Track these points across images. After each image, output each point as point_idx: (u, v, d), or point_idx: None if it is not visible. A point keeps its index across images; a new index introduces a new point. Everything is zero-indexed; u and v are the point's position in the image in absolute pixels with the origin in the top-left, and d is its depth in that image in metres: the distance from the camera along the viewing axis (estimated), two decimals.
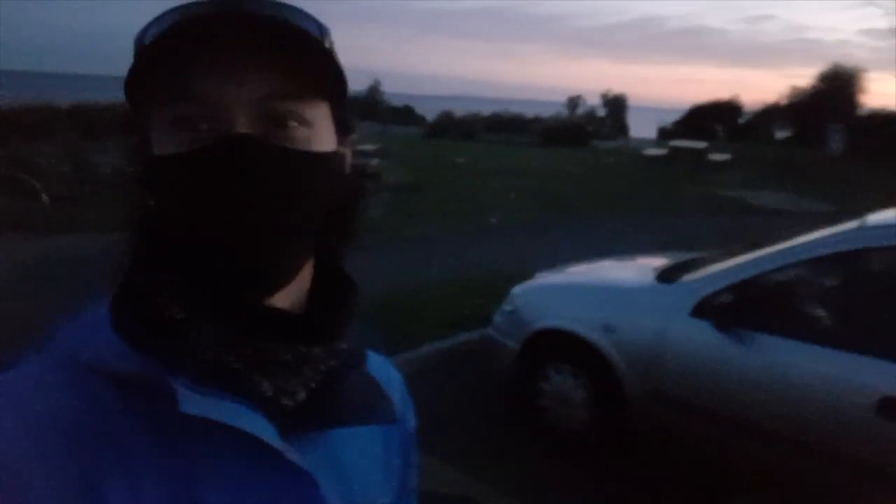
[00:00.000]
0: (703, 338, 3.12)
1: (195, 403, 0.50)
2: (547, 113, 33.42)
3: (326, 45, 0.56)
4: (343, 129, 0.61)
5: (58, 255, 6.57)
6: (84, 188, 9.10)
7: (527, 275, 4.47)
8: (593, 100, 38.90)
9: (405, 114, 36.19)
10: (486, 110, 34.07)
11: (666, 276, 3.65)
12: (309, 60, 0.54)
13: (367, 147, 14.03)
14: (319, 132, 0.57)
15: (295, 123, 0.54)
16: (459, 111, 31.32)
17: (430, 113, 33.15)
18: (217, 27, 0.50)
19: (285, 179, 0.53)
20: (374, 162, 12.49)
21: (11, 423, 0.48)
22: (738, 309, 3.04)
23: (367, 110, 29.47)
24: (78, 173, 9.96)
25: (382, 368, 0.74)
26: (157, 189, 0.56)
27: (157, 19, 0.53)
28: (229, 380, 0.54)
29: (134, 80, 0.52)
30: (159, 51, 0.50)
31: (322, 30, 0.57)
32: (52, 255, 6.63)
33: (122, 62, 0.53)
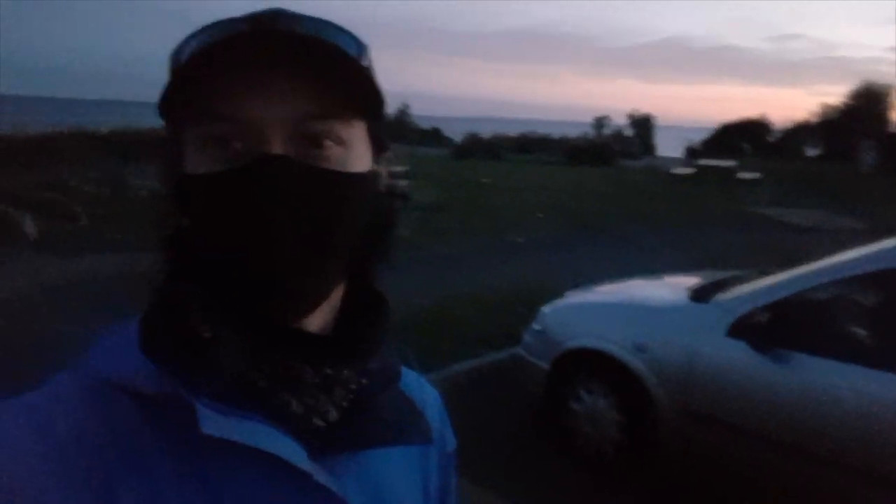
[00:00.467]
0: (739, 358, 3.07)
1: (218, 424, 0.49)
2: (573, 133, 33.42)
3: (364, 62, 0.55)
4: (379, 146, 0.61)
5: (96, 274, 6.71)
6: (121, 210, 9.31)
7: (555, 293, 4.45)
8: (620, 120, 38.81)
9: (433, 135, 36.48)
10: (513, 131, 34.18)
11: (699, 294, 3.60)
12: (345, 79, 0.53)
13: (396, 168, 14.08)
14: (355, 152, 0.56)
15: (331, 143, 0.53)
16: (486, 132, 31.48)
17: (457, 134, 33.36)
18: (253, 46, 0.50)
19: (321, 201, 0.53)
20: (403, 182, 12.58)
21: (31, 443, 0.47)
22: (775, 328, 2.99)
23: (395, 132, 29.76)
24: (115, 195, 10.20)
25: (417, 386, 0.72)
26: (190, 208, 0.55)
27: (194, 36, 0.53)
28: (257, 399, 0.53)
29: (169, 99, 0.51)
30: (195, 70, 0.50)
31: (360, 46, 0.56)
32: (91, 275, 6.78)
33: (157, 89, 0.53)
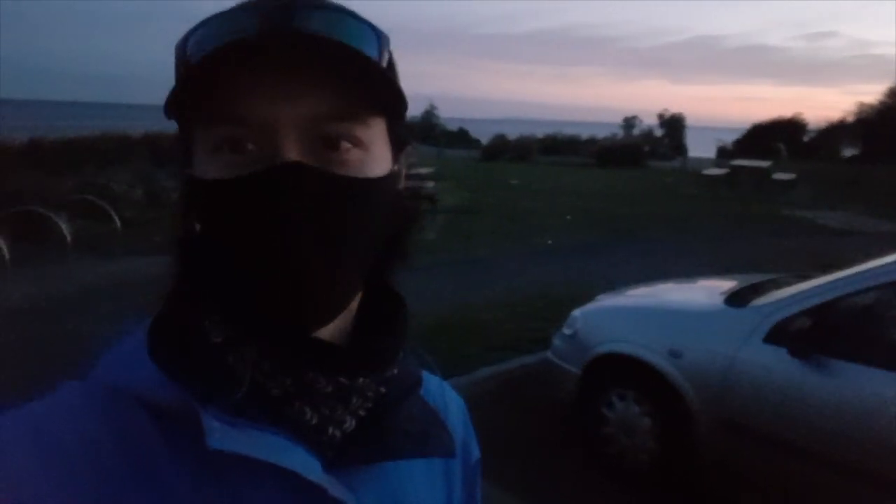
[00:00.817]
0: (777, 365, 2.98)
1: (226, 438, 0.47)
2: (602, 134, 33.15)
3: (384, 58, 0.53)
4: (399, 144, 0.58)
5: (129, 276, 6.82)
6: (154, 212, 9.47)
7: (585, 297, 4.39)
8: (650, 120, 38.38)
9: (460, 137, 36.51)
10: (540, 132, 34.03)
11: (735, 299, 3.51)
12: (363, 78, 0.50)
13: (423, 170, 14.16)
14: (374, 154, 0.53)
15: (348, 145, 0.51)
16: (513, 134, 31.39)
17: (484, 136, 33.34)
18: (267, 46, 0.47)
19: (338, 208, 0.50)
20: (430, 185, 12.59)
21: (35, 453, 0.46)
22: (815, 334, 2.90)
23: (422, 134, 29.85)
24: (148, 198, 10.38)
25: (440, 393, 0.69)
26: (201, 213, 0.53)
27: (200, 30, 0.51)
28: (270, 408, 0.51)
29: (177, 100, 0.49)
30: (205, 71, 0.47)
31: (379, 38, 0.53)
32: (125, 277, 6.89)
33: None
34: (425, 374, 0.66)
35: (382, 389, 0.57)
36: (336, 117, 0.50)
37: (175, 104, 0.49)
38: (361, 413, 0.55)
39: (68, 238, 7.53)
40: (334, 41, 0.48)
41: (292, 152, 0.48)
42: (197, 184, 0.51)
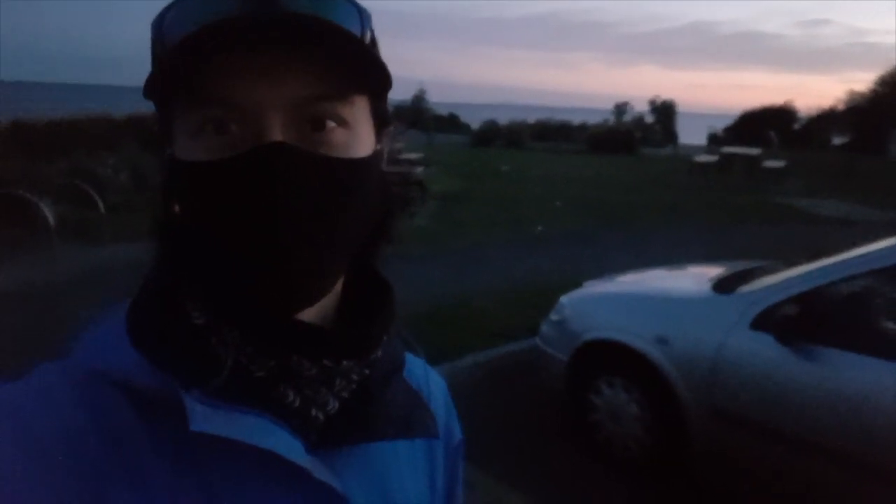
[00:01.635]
0: (764, 351, 2.97)
1: (208, 420, 0.47)
2: (594, 120, 33.11)
3: (367, 35, 0.53)
4: (382, 123, 0.57)
5: (115, 261, 6.75)
6: (140, 197, 9.37)
7: (575, 284, 4.37)
8: (641, 107, 38.33)
9: (450, 122, 36.34)
10: (532, 118, 33.94)
11: (722, 286, 3.51)
12: (347, 57, 0.49)
13: (413, 156, 14.08)
14: (358, 133, 0.52)
15: (333, 125, 0.50)
16: (505, 119, 31.28)
17: (475, 121, 33.21)
18: (250, 26, 0.46)
19: (323, 190, 0.49)
20: (420, 171, 12.52)
21: (11, 438, 0.44)
22: (802, 321, 2.89)
23: (412, 119, 29.68)
24: (134, 182, 10.27)
25: (423, 375, 0.69)
26: (183, 196, 0.52)
27: (179, 8, 0.49)
28: (252, 391, 0.50)
29: (157, 81, 0.48)
30: (185, 52, 0.46)
31: (362, 15, 0.52)
32: (110, 262, 6.82)
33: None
34: (409, 357, 0.65)
35: (366, 372, 0.56)
36: (321, 97, 0.49)
37: (154, 85, 0.48)
38: (345, 395, 0.54)
39: (52, 223, 7.44)
40: (319, 19, 0.47)
41: (277, 133, 0.47)
42: (179, 165, 0.50)
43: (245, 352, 0.51)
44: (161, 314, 0.51)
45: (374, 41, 0.55)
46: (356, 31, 0.51)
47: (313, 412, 0.52)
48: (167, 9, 0.50)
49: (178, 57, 0.46)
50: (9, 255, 7.18)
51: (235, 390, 0.49)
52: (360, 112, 0.53)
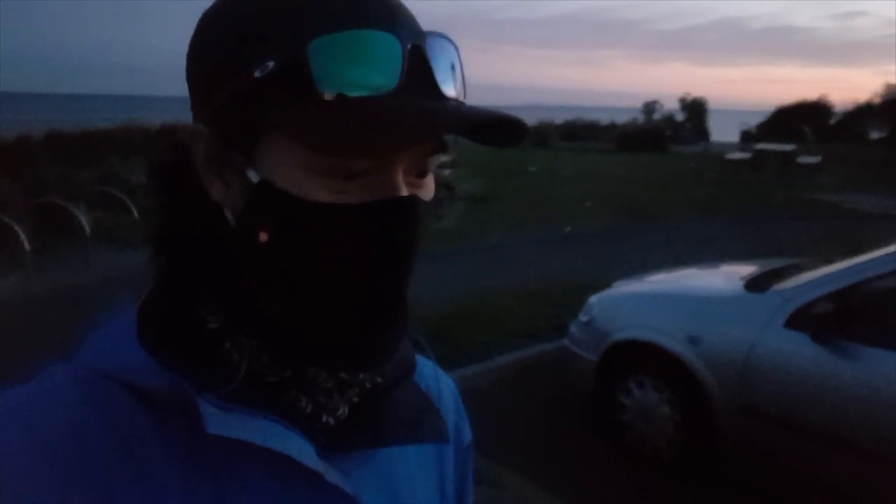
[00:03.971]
0: (799, 350, 2.90)
1: (223, 423, 0.47)
2: (623, 119, 32.77)
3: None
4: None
5: (146, 265, 6.88)
6: None
7: (604, 284, 4.33)
8: (671, 104, 37.82)
9: None
10: (560, 118, 33.74)
11: (755, 284, 3.44)
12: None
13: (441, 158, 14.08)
14: (431, 175, 0.54)
15: (429, 175, 0.52)
16: (532, 120, 31.17)
17: None
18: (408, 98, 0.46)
19: (420, 236, 0.51)
20: (448, 172, 12.52)
21: (20, 439, 0.44)
22: (838, 319, 2.82)
23: None
24: None
25: (433, 376, 0.69)
26: (287, 230, 0.49)
27: (335, 50, 0.46)
28: (264, 395, 0.51)
29: (315, 126, 0.45)
30: (372, 148, 0.45)
31: (461, 63, 0.53)
32: (143, 266, 6.94)
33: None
34: (419, 358, 0.65)
35: (379, 380, 0.56)
36: (431, 154, 0.51)
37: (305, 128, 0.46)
38: (355, 400, 0.55)
39: (87, 229, 7.61)
40: (461, 107, 0.48)
41: (401, 182, 0.49)
42: (285, 198, 0.48)
43: (259, 360, 0.51)
44: (174, 317, 0.51)
45: None
46: (462, 87, 0.52)
47: (324, 418, 0.53)
48: (313, 32, 0.46)
49: (338, 112, 0.45)
50: (46, 261, 7.37)
51: (247, 394, 0.50)
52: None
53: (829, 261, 3.36)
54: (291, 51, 0.46)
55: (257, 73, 0.46)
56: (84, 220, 7.70)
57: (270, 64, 0.46)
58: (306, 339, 0.51)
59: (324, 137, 0.45)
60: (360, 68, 0.46)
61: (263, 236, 0.49)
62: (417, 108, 0.46)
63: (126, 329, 0.51)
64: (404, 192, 0.48)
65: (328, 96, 0.45)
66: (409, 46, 0.47)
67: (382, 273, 0.49)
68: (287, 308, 0.50)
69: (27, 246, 6.78)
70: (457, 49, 0.52)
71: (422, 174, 0.51)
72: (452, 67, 0.50)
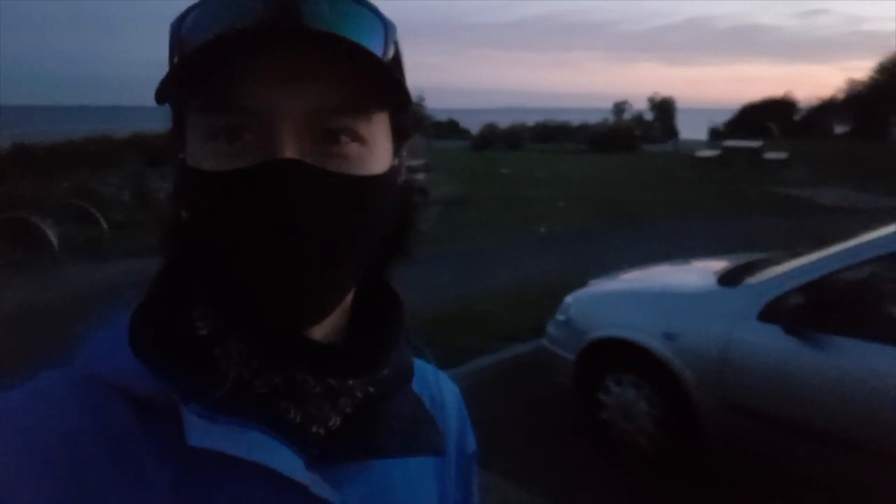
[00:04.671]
0: (772, 343, 2.94)
1: (207, 434, 0.46)
2: (594, 120, 33.09)
3: (390, 50, 0.52)
4: (401, 136, 0.56)
5: (119, 279, 6.76)
6: (142, 215, 9.40)
7: (580, 283, 4.35)
8: (641, 104, 38.27)
9: (450, 128, 36.35)
10: (532, 120, 33.95)
11: (728, 279, 3.48)
12: (368, 73, 0.48)
13: (414, 162, 14.10)
14: (376, 150, 0.51)
15: (347, 139, 0.49)
16: (504, 122, 31.28)
17: (474, 127, 33.21)
18: (270, 35, 0.45)
19: (335, 207, 0.48)
20: (421, 176, 12.52)
21: (12, 442, 0.44)
22: (809, 311, 2.87)
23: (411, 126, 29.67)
24: (138, 200, 10.30)
25: (435, 384, 0.67)
26: (192, 204, 0.51)
27: (201, 11, 0.49)
28: (252, 405, 0.49)
29: (172, 83, 0.47)
30: (204, 57, 0.45)
31: (387, 30, 0.51)
32: (114, 280, 6.83)
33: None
34: (421, 364, 0.64)
35: (371, 389, 0.55)
36: (338, 111, 0.48)
37: (169, 88, 0.47)
38: (348, 411, 0.53)
39: (55, 243, 7.47)
40: (343, 39, 0.46)
41: (291, 146, 0.46)
42: (189, 172, 0.49)
43: (249, 366, 0.50)
44: (164, 323, 0.51)
45: (397, 56, 0.54)
46: (378, 46, 0.50)
47: (314, 429, 0.52)
48: (188, 11, 0.49)
49: (196, 59, 0.46)
50: (13, 276, 7.21)
51: (235, 403, 0.49)
52: (378, 127, 0.51)
53: (799, 254, 3.41)
54: (178, 27, 0.50)
55: (175, 59, 0.50)
56: (52, 234, 7.56)
57: (175, 47, 0.50)
58: (295, 341, 0.50)
59: (162, 86, 0.47)
60: (207, 20, 0.48)
61: (184, 214, 0.52)
62: (225, 37, 0.46)
63: (119, 334, 0.51)
64: (288, 153, 0.46)
65: (182, 53, 0.49)
66: None
67: (277, 242, 0.47)
68: (228, 286, 0.50)
69: None
70: (377, 15, 0.50)
71: (330, 138, 0.48)
72: (348, 15, 0.49)
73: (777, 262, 3.49)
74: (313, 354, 0.51)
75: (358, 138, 0.49)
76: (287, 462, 0.48)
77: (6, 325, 5.87)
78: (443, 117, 38.14)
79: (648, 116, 36.50)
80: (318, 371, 0.51)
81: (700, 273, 3.93)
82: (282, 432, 0.49)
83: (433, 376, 0.68)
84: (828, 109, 29.07)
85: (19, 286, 7.06)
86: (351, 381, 0.53)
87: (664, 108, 36.91)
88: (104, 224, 8.45)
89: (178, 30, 0.49)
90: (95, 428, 0.46)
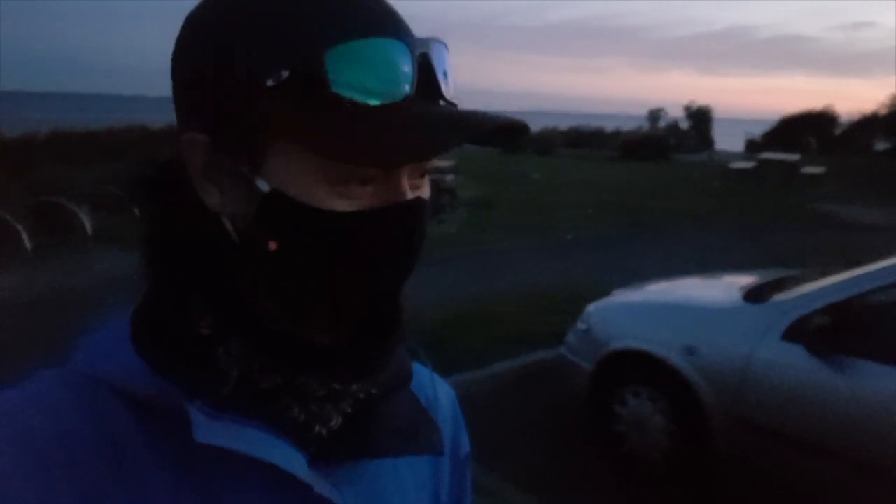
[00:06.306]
0: (795, 363, 2.89)
1: (212, 431, 0.46)
2: (627, 127, 32.79)
3: None
4: None
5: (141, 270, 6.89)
6: None
7: (603, 292, 4.32)
8: (676, 112, 37.79)
9: None
10: (564, 125, 33.76)
11: (754, 295, 3.42)
12: None
13: (443, 163, 14.10)
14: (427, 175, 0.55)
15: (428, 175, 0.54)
16: (536, 126, 31.16)
17: None
18: (420, 103, 0.48)
19: (423, 238, 0.53)
20: (450, 178, 12.53)
21: (8, 443, 0.44)
22: (836, 332, 2.80)
23: None
24: None
25: (430, 385, 0.68)
26: (300, 238, 0.49)
27: (353, 56, 0.46)
28: (256, 404, 0.50)
29: (327, 133, 0.45)
30: (388, 154, 0.46)
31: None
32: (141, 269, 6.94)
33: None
34: (416, 367, 0.64)
35: (374, 391, 0.55)
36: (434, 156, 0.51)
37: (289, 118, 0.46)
38: (348, 410, 0.54)
39: (89, 229, 7.63)
40: (476, 114, 0.49)
41: (408, 187, 0.50)
42: (306, 210, 0.48)
43: (251, 367, 0.50)
44: (167, 322, 0.51)
45: None
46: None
47: (317, 428, 0.52)
48: (328, 39, 0.46)
49: (363, 119, 0.46)
50: (47, 261, 7.38)
51: (238, 401, 0.49)
52: None
53: (829, 273, 3.34)
54: (305, 60, 0.45)
55: (269, 83, 0.45)
56: (86, 221, 7.71)
57: (285, 73, 0.45)
58: (301, 346, 0.51)
59: (347, 147, 0.45)
60: (374, 77, 0.46)
61: (273, 245, 0.49)
62: (437, 117, 0.48)
63: (119, 333, 0.51)
64: (410, 195, 0.50)
65: (347, 106, 0.45)
66: (417, 54, 0.48)
67: (390, 276, 0.51)
68: (288, 314, 0.51)
69: (28, 245, 6.79)
70: (448, 53, 0.53)
71: (422, 174, 0.52)
72: (445, 73, 0.51)
73: (806, 279, 3.43)
74: (317, 359, 0.51)
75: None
76: (290, 459, 0.49)
77: (39, 308, 6.02)
78: None
79: (684, 125, 36.02)
80: (320, 375, 0.51)
81: (726, 288, 3.88)
82: (284, 431, 0.50)
83: (428, 378, 0.68)
84: (869, 125, 28.39)
85: (53, 270, 7.24)
86: (354, 386, 0.53)
87: (700, 117, 36.38)
88: (137, 211, 8.61)
89: (313, 58, 0.46)
90: (94, 429, 0.46)
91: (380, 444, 0.55)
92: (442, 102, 0.50)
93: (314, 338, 0.51)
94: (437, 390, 0.69)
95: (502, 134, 0.50)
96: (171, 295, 0.51)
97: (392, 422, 0.56)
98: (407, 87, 0.47)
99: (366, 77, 0.46)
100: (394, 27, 0.49)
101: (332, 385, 0.52)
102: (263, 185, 0.48)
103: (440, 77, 0.50)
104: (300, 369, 0.51)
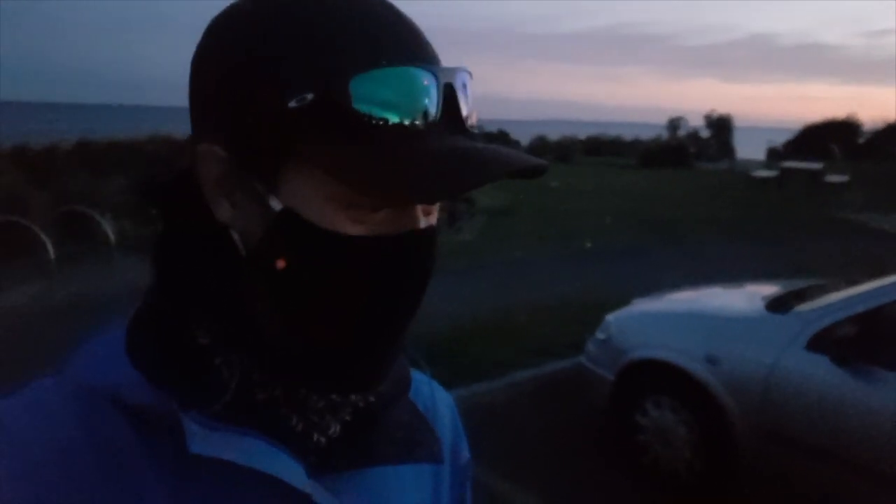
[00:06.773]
0: (819, 373, 2.84)
1: (207, 442, 0.46)
2: (647, 135, 32.63)
3: None
4: None
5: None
6: None
7: (623, 301, 4.28)
8: (697, 121, 37.50)
9: (499, 139, 36.33)
10: (584, 133, 33.68)
11: (777, 305, 3.38)
12: None
13: None
14: None
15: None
16: (555, 135, 31.11)
17: (524, 138, 33.12)
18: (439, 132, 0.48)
19: (432, 265, 0.52)
20: None
21: (4, 454, 0.43)
22: (860, 343, 2.76)
23: None
24: None
25: (429, 394, 0.67)
26: (313, 261, 0.48)
27: (379, 84, 0.45)
28: (254, 414, 0.50)
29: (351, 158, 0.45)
30: (414, 190, 0.45)
31: None
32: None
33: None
34: (415, 374, 0.64)
35: (371, 399, 0.56)
36: None
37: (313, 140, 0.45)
38: (347, 418, 0.54)
39: (112, 238, 7.73)
40: (499, 152, 0.48)
41: (421, 215, 0.50)
42: (317, 232, 0.47)
43: (250, 378, 0.50)
44: (165, 330, 0.50)
45: None
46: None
47: (316, 437, 0.52)
48: (352, 69, 0.45)
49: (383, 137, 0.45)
50: (70, 269, 7.49)
51: (237, 412, 0.49)
52: None
53: (853, 282, 3.29)
54: (331, 85, 0.45)
55: (293, 104, 0.45)
56: (109, 229, 7.82)
57: (309, 96, 0.45)
58: (301, 361, 0.51)
59: (368, 179, 0.44)
60: (399, 106, 0.46)
61: (281, 263, 0.48)
62: (461, 155, 0.46)
63: (115, 344, 0.50)
64: (423, 223, 0.49)
65: (369, 134, 0.45)
66: (443, 83, 0.47)
67: (399, 302, 0.50)
68: (291, 331, 0.50)
69: (52, 253, 6.90)
70: (471, 80, 0.53)
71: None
72: (467, 99, 0.51)
73: (830, 289, 3.38)
74: (316, 373, 0.51)
75: None
76: (289, 470, 0.49)
77: (62, 316, 6.10)
78: (492, 128, 38.11)
79: (704, 134, 35.72)
80: (320, 388, 0.52)
81: (749, 297, 3.83)
82: (283, 441, 0.50)
83: (427, 386, 0.68)
84: (893, 133, 27.99)
85: (76, 278, 7.34)
86: (353, 397, 0.54)
87: (721, 126, 36.05)
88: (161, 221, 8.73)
89: (337, 86, 0.45)
90: (90, 439, 0.46)
91: (379, 452, 0.55)
92: (472, 134, 0.50)
93: (314, 353, 0.50)
94: (435, 398, 0.68)
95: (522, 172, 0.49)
96: (171, 302, 0.51)
97: (391, 430, 0.57)
98: (431, 118, 0.47)
99: (390, 106, 0.45)
100: (420, 53, 0.48)
101: (331, 396, 0.52)
102: (276, 204, 0.47)
103: (463, 107, 0.49)
104: (299, 382, 0.51)
